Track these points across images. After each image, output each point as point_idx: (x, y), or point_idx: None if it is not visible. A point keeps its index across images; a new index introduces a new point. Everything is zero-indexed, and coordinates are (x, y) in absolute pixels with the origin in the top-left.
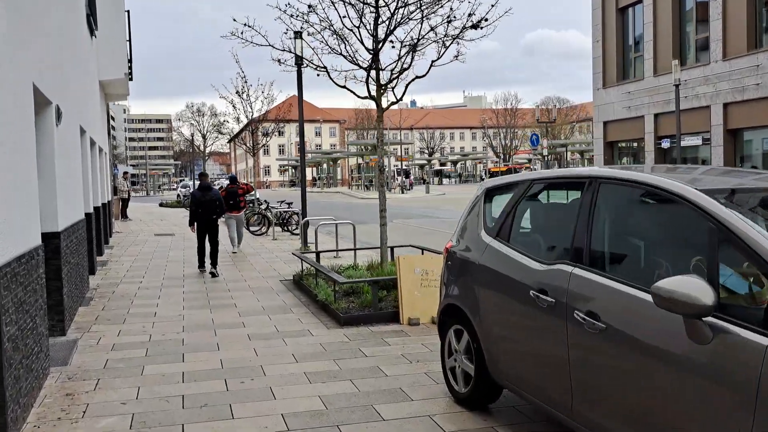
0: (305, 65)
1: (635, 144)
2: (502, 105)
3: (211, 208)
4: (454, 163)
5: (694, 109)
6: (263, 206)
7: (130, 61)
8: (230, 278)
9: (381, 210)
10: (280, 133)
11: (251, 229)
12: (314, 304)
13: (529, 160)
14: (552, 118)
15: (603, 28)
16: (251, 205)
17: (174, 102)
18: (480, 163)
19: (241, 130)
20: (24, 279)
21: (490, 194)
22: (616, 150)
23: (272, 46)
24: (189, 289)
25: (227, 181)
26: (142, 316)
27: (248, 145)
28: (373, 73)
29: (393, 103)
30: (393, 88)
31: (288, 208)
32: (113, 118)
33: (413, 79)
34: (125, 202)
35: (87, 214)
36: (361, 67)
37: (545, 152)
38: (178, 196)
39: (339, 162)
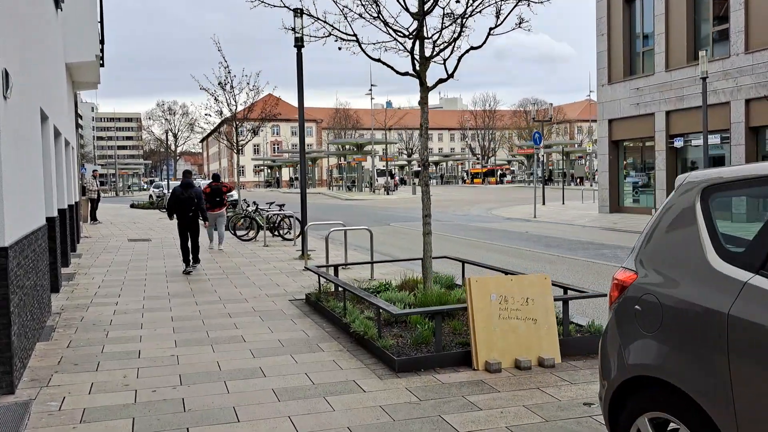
0: (328, 34)
1: (642, 143)
2: (480, 106)
3: (189, 205)
4: (435, 164)
5: (712, 105)
6: (251, 208)
7: (101, 42)
8: (227, 296)
9: (425, 215)
10: (256, 133)
11: (238, 233)
12: (345, 335)
13: (509, 162)
14: (548, 116)
15: (608, 21)
16: (232, 207)
17: (143, 101)
18: (460, 164)
19: (220, 125)
20: None
21: (711, 196)
22: (621, 149)
23: (287, 8)
24: (179, 314)
25: (210, 180)
26: (122, 358)
27: (231, 141)
28: (416, 45)
29: (441, 81)
30: (445, 60)
31: (279, 210)
32: (81, 117)
33: (468, 50)
34: (94, 204)
35: (49, 219)
36: (402, 35)
37: (542, 152)
38: (151, 197)
39: (317, 162)
